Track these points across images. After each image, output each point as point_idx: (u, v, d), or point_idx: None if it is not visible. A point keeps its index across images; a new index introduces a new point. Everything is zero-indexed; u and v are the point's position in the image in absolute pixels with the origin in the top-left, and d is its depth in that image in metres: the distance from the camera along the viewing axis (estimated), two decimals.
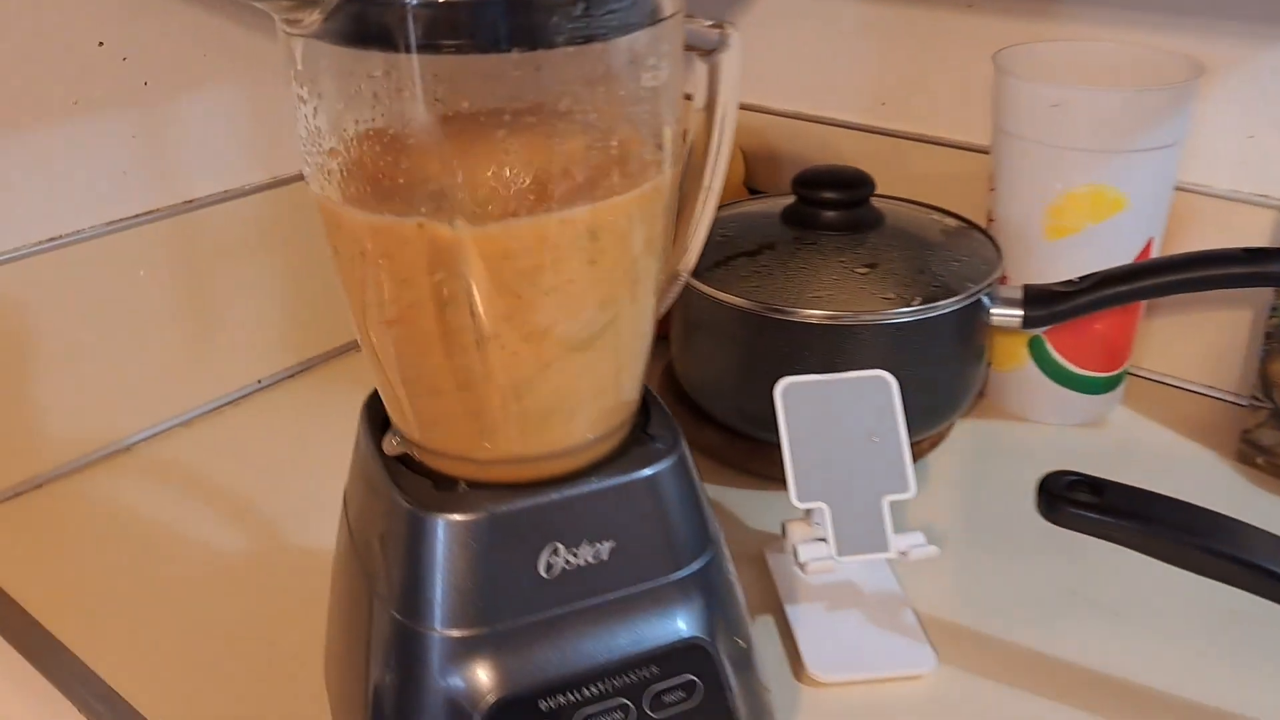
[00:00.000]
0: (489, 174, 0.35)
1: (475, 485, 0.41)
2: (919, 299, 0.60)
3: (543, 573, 0.40)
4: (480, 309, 0.37)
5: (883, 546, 0.54)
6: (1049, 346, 0.70)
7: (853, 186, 0.65)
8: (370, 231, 0.37)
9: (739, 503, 0.66)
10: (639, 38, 0.34)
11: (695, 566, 0.43)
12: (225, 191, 0.73)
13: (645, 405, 0.45)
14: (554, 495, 0.40)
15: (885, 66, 0.82)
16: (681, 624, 0.42)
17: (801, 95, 0.87)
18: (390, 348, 0.40)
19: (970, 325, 0.63)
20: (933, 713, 0.52)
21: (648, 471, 0.41)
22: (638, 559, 0.41)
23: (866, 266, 0.62)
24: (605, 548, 0.41)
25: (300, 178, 0.76)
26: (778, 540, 0.63)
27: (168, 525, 0.65)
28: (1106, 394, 0.72)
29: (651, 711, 0.42)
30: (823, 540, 0.55)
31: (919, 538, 0.55)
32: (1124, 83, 0.68)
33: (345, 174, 0.37)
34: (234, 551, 0.63)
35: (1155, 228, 0.67)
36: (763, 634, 0.56)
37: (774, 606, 0.58)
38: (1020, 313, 0.63)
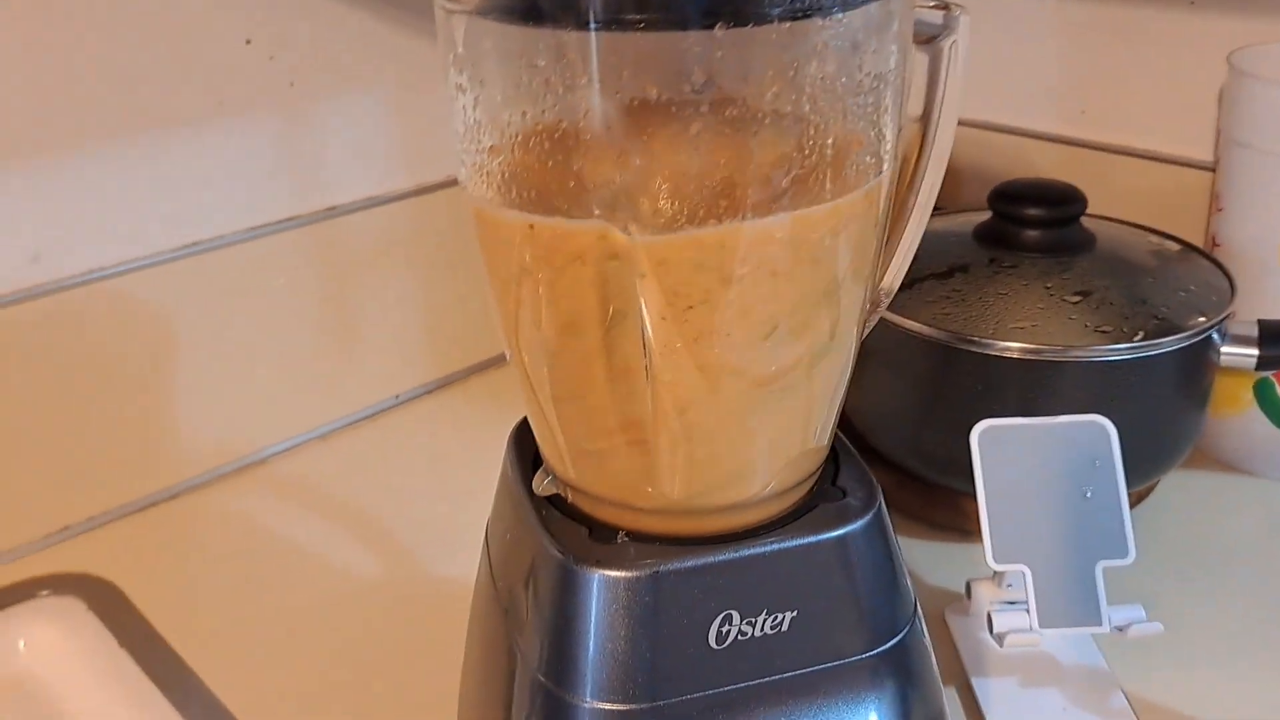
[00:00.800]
0: (676, 175, 0.30)
1: (636, 537, 0.35)
2: (1140, 333, 0.52)
3: (713, 643, 0.34)
4: (651, 331, 0.32)
5: (1095, 620, 0.47)
6: (1279, 390, 0.61)
7: (1062, 203, 0.57)
8: (532, 239, 0.32)
9: (916, 555, 0.59)
10: (866, 14, 0.28)
11: (890, 644, 0.36)
12: (368, 198, 0.70)
13: (834, 453, 0.39)
14: (731, 554, 0.34)
15: (1087, 70, 0.74)
16: (874, 707, 0.35)
17: (988, 102, 0.79)
18: (546, 372, 0.35)
19: (1196, 366, 0.55)
20: None
21: (839, 532, 0.35)
22: (824, 633, 0.35)
23: (1077, 295, 0.54)
24: (787, 618, 0.35)
25: (445, 185, 0.73)
26: (959, 599, 0.55)
27: (299, 544, 0.62)
28: None
29: None
30: (1021, 607, 0.47)
31: (1139, 611, 0.47)
32: None
33: (507, 174, 0.32)
34: (366, 576, 0.59)
35: None
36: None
37: (957, 677, 0.51)
38: (1255, 352, 0.55)
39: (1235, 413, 0.63)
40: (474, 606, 0.43)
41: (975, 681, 0.50)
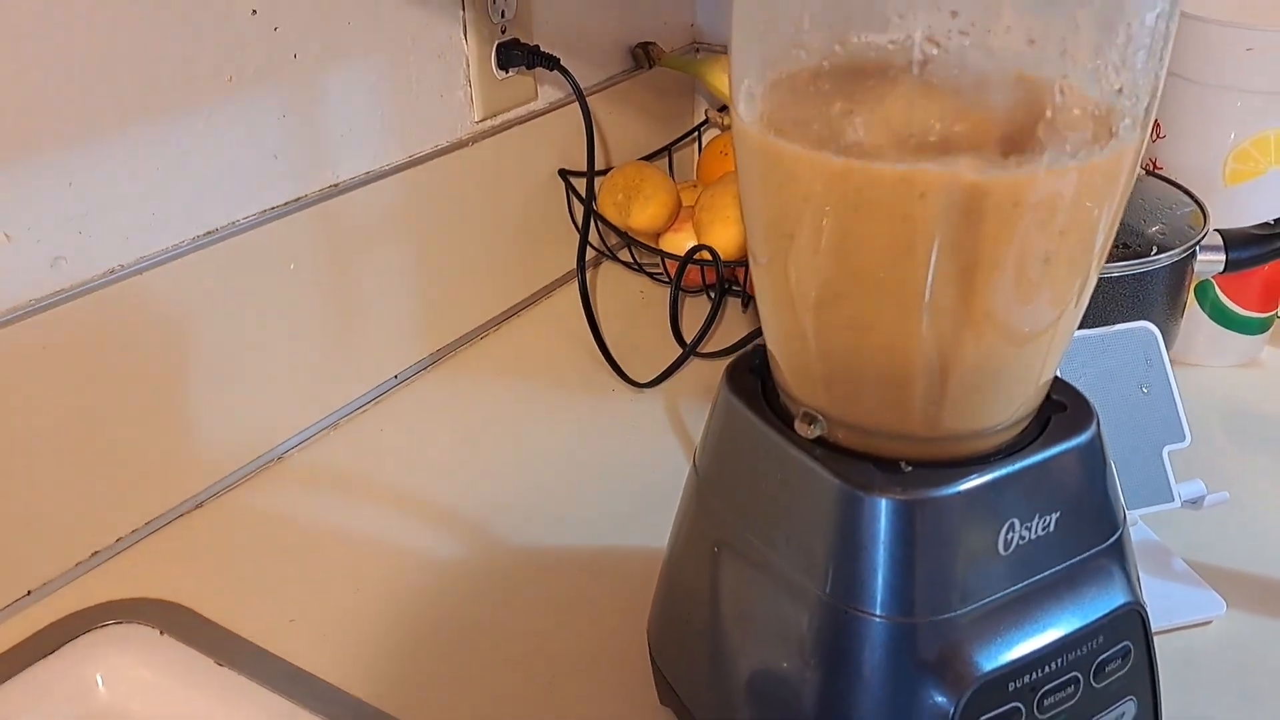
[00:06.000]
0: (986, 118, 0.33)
1: (915, 463, 0.39)
2: (1154, 248, 0.60)
3: (1002, 549, 0.38)
4: (935, 277, 0.35)
5: (1169, 497, 0.54)
6: (1217, 290, 0.71)
7: None
8: (843, 179, 0.34)
9: None
10: None
11: (1122, 530, 0.41)
12: (368, 173, 0.67)
13: None
14: (1009, 468, 0.38)
15: None
16: (1119, 590, 0.40)
17: None
18: (815, 299, 0.37)
19: (1180, 277, 0.63)
20: (1231, 655, 0.52)
21: (1084, 437, 0.40)
22: (1079, 528, 0.40)
23: None
24: (1053, 518, 0.39)
25: (435, 155, 0.71)
26: None
27: (350, 530, 0.60)
28: (1261, 334, 0.73)
29: (1095, 682, 0.40)
30: None
31: (1201, 486, 0.55)
32: None
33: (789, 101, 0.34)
34: (441, 553, 0.59)
35: None
36: None
37: None
38: (1222, 258, 0.64)
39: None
40: (685, 547, 0.45)
41: None
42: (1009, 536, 0.38)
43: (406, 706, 0.49)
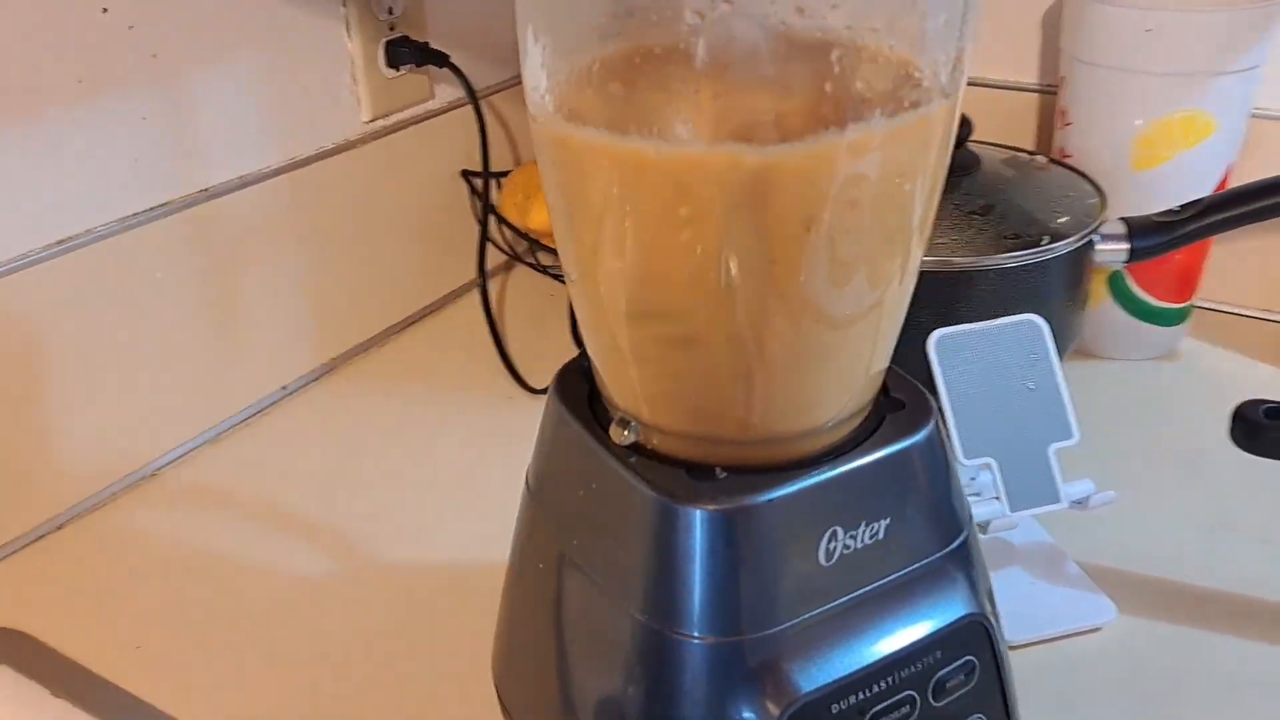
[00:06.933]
0: (748, 92, 0.31)
1: (731, 470, 0.36)
2: (1045, 238, 0.57)
3: (823, 560, 0.36)
4: (737, 265, 0.33)
5: (1054, 497, 0.52)
6: (1129, 280, 0.69)
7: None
8: (608, 160, 0.32)
9: None
10: None
11: (963, 537, 0.39)
12: (242, 177, 0.65)
13: None
14: (829, 472, 0.36)
15: None
16: (959, 601, 0.38)
17: None
18: (625, 305, 0.35)
19: (1078, 266, 0.61)
20: (1121, 662, 0.50)
21: (915, 437, 0.37)
22: (912, 535, 0.37)
23: (980, 209, 0.59)
24: (882, 526, 0.37)
25: (316, 158, 0.69)
26: None
27: (213, 551, 0.58)
28: (1178, 325, 0.71)
29: (934, 700, 0.38)
30: (988, 498, 0.52)
31: (1089, 485, 0.52)
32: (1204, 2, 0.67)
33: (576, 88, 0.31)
34: (308, 571, 0.56)
35: (1234, 153, 0.66)
36: None
37: None
38: (1126, 247, 0.61)
39: (1094, 304, 0.70)
40: (520, 568, 0.42)
41: None
42: (831, 546, 0.36)
43: None
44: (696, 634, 0.35)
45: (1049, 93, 0.76)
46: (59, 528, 0.60)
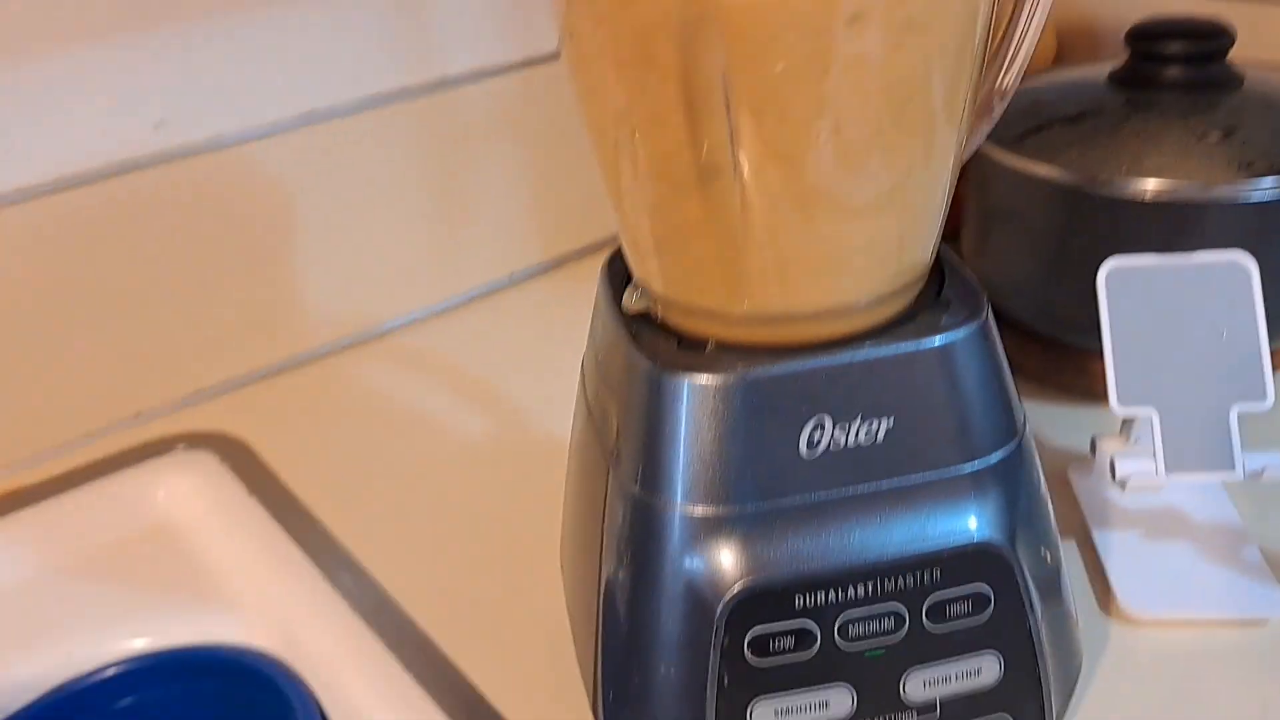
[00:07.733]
0: None
1: (726, 346, 0.35)
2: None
3: (803, 450, 0.34)
4: (735, 128, 0.31)
5: (1227, 465, 0.44)
6: None
7: (1207, 37, 0.52)
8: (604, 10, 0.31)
9: (1040, 418, 0.56)
10: None
11: (996, 458, 0.35)
12: (479, 69, 0.70)
13: (941, 267, 0.37)
14: (821, 360, 0.33)
15: None
16: (973, 524, 0.34)
17: None
18: (634, 180, 0.34)
19: None
20: (1276, 665, 0.42)
21: (939, 340, 0.34)
22: (923, 443, 0.34)
23: (1221, 132, 0.50)
24: (881, 426, 0.34)
25: (552, 58, 0.72)
26: (1085, 460, 0.53)
27: (416, 409, 0.64)
28: None
29: (930, 622, 0.34)
30: (1148, 454, 0.45)
31: (1277, 458, 0.44)
32: None
33: None
34: (480, 437, 0.61)
35: None
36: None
37: (1078, 532, 0.49)
38: None
39: None
40: (572, 440, 0.43)
41: (1096, 534, 0.48)
42: (815, 437, 0.34)
43: (392, 578, 0.51)
44: (672, 500, 0.34)
45: None
46: (298, 365, 0.68)
